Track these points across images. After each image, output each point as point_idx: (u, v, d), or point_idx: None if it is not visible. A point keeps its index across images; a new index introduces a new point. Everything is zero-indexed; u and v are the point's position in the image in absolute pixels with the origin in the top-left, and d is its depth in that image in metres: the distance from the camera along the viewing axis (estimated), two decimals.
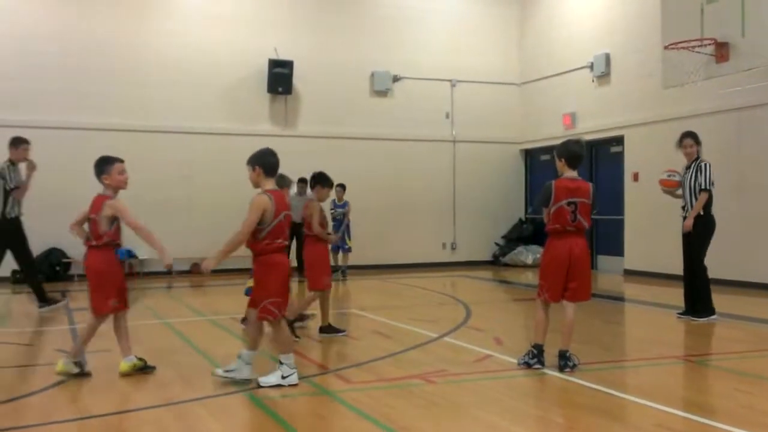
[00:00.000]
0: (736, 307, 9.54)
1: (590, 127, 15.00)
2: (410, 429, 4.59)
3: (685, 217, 8.53)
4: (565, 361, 5.97)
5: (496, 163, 17.19)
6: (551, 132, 15.96)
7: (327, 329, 7.70)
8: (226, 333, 8.20)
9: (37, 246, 11.66)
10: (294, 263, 14.03)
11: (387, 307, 10.18)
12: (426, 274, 14.87)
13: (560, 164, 6.17)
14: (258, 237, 5.52)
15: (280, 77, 15.10)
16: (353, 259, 14.27)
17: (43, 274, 12.36)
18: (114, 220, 5.95)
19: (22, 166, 9.58)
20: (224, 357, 6.57)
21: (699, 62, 10.85)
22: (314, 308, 8.08)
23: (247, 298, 8.62)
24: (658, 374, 6.20)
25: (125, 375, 5.91)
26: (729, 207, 11.13)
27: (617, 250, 14.51)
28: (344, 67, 15.81)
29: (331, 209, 13.62)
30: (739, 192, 11.56)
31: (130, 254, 13.99)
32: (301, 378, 5.95)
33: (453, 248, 16.79)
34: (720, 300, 8.86)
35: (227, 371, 5.67)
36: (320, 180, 7.78)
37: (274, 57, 15.04)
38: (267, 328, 5.81)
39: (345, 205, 13.93)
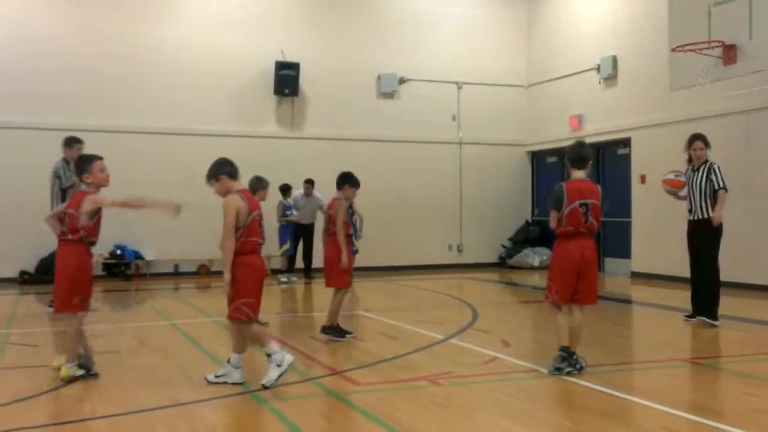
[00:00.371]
0: (744, 309, 9.49)
1: (597, 129, 14.97)
2: (417, 430, 4.58)
3: (692, 220, 8.48)
4: (572, 364, 5.95)
5: (502, 165, 17.17)
6: (558, 134, 15.93)
7: (333, 330, 7.64)
8: None
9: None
10: (300, 264, 14.12)
11: (393, 309, 10.17)
12: (432, 276, 14.86)
13: (569, 167, 6.19)
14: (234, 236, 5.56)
15: (286, 79, 15.13)
16: (359, 260, 14.24)
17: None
18: (95, 214, 5.87)
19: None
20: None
21: (706, 64, 10.82)
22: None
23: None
24: (666, 377, 6.18)
25: (67, 381, 5.78)
26: (736, 209, 11.05)
27: (624, 252, 14.47)
28: (351, 69, 15.83)
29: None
30: (747, 194, 11.51)
31: (137, 255, 14.04)
32: (308, 379, 5.97)
33: (459, 250, 16.78)
34: (727, 302, 8.81)
35: (218, 376, 5.72)
36: (348, 180, 7.72)
37: (280, 59, 15.07)
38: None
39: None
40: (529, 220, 17.22)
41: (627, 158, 14.54)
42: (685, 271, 8.84)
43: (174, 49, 14.70)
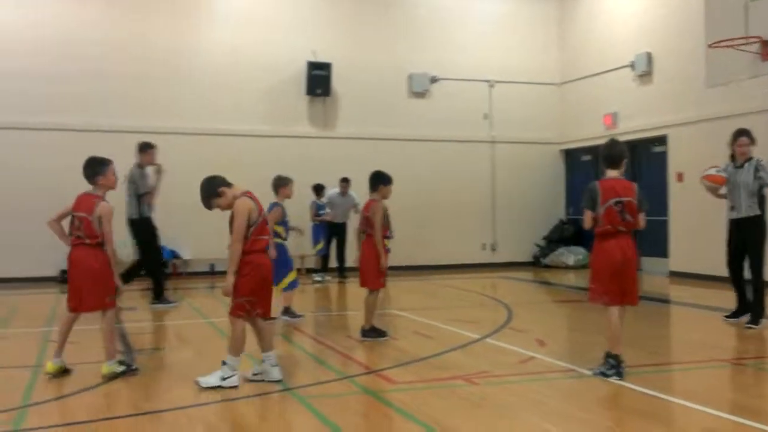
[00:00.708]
0: None
1: (632, 127, 14.80)
2: (454, 429, 4.58)
3: (735, 219, 8.24)
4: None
5: (535, 164, 17.07)
6: (592, 132, 15.77)
7: (372, 332, 7.60)
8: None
9: None
10: (334, 263, 14.19)
11: (427, 308, 10.18)
12: (465, 275, 14.83)
13: (603, 166, 6.13)
14: (245, 236, 5.60)
15: (318, 79, 15.21)
16: (391, 259, 14.27)
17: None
18: (100, 220, 6.00)
19: (150, 170, 10.15)
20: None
21: (744, 61, 10.61)
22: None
23: (285, 295, 8.82)
24: (707, 377, 6.10)
25: (108, 377, 5.88)
26: None
27: (661, 251, 14.28)
28: (382, 68, 15.86)
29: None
30: None
31: (174, 255, 14.25)
32: (344, 377, 6.00)
33: (493, 249, 16.71)
34: None
35: (255, 374, 5.78)
36: (381, 179, 7.64)
37: (312, 59, 15.16)
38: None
39: None
40: (564, 219, 17.08)
41: (663, 156, 14.35)
42: (725, 270, 8.67)
43: (207, 51, 14.87)
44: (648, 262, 14.75)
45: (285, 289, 8.71)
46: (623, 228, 5.88)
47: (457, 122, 16.34)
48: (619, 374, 5.76)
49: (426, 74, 16.20)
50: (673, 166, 14.00)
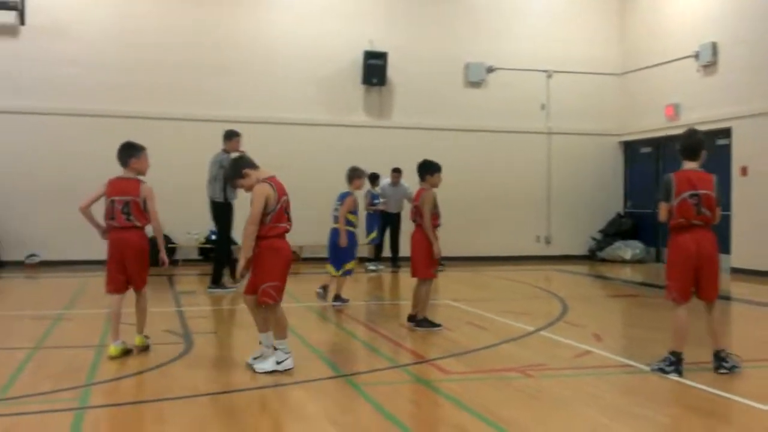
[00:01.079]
0: None
1: (695, 119, 14.37)
2: (509, 421, 4.56)
3: None
4: (719, 362, 5.76)
5: (593, 156, 16.76)
6: (652, 123, 15.40)
7: (426, 322, 7.60)
8: (323, 319, 8.38)
9: None
10: (387, 253, 14.22)
11: (480, 299, 10.12)
12: (519, 267, 14.69)
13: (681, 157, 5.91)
14: (263, 222, 5.60)
15: (374, 69, 15.23)
16: (444, 250, 14.21)
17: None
18: (145, 201, 6.23)
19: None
20: (320, 342, 6.71)
21: None
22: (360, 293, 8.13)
23: (339, 280, 8.97)
24: None
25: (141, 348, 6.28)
26: None
27: (723, 247, 13.81)
28: (438, 58, 15.77)
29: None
30: None
31: (233, 242, 14.45)
32: (396, 366, 6.02)
33: (548, 242, 16.51)
34: None
35: (255, 358, 5.76)
36: (429, 167, 7.64)
37: (368, 49, 15.18)
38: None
39: None
40: (621, 213, 16.75)
41: (726, 149, 13.92)
42: None
43: (266, 41, 15.03)
44: None
45: (342, 274, 8.96)
46: (698, 221, 5.69)
47: (513, 113, 16.15)
48: (678, 371, 5.63)
49: (482, 64, 16.05)
50: (736, 160, 13.57)
